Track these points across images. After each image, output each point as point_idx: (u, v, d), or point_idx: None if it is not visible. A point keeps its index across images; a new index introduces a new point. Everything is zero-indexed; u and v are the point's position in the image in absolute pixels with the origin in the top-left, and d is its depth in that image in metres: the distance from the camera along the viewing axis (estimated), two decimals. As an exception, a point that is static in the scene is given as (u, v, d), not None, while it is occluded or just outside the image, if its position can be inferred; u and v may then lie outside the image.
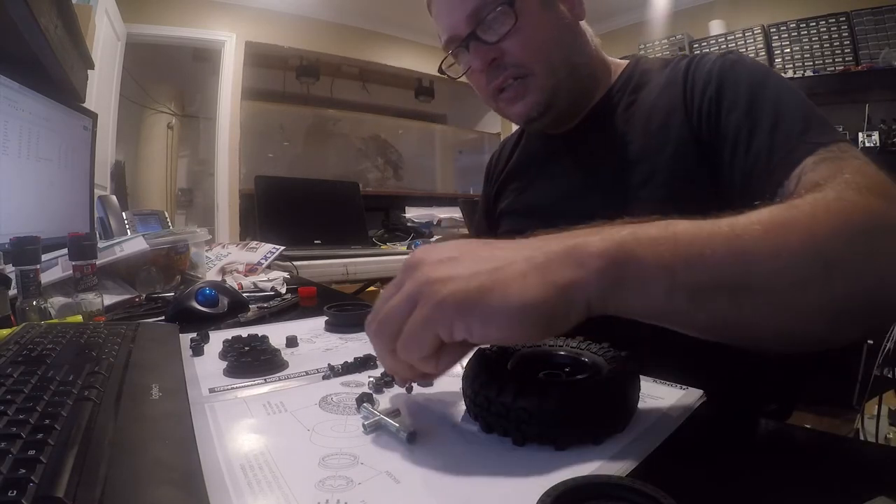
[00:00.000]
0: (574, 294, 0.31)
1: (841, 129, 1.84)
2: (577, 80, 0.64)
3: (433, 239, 1.92)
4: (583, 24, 0.65)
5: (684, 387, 0.42)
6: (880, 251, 0.34)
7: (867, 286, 0.34)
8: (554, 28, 0.61)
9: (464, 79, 0.68)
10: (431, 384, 0.43)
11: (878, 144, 2.54)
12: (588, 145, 0.66)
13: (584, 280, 0.31)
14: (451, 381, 0.43)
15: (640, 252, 0.32)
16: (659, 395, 0.40)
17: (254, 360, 0.46)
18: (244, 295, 0.84)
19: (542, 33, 0.60)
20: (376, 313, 0.34)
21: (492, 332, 0.30)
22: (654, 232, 0.33)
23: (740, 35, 3.07)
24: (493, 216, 0.81)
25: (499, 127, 5.06)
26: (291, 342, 0.55)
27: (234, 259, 1.21)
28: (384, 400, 0.39)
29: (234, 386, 0.42)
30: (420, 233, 2.20)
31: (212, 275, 1.10)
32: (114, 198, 1.59)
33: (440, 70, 0.69)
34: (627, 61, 0.70)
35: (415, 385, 0.42)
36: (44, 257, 0.69)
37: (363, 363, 0.47)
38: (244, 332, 0.56)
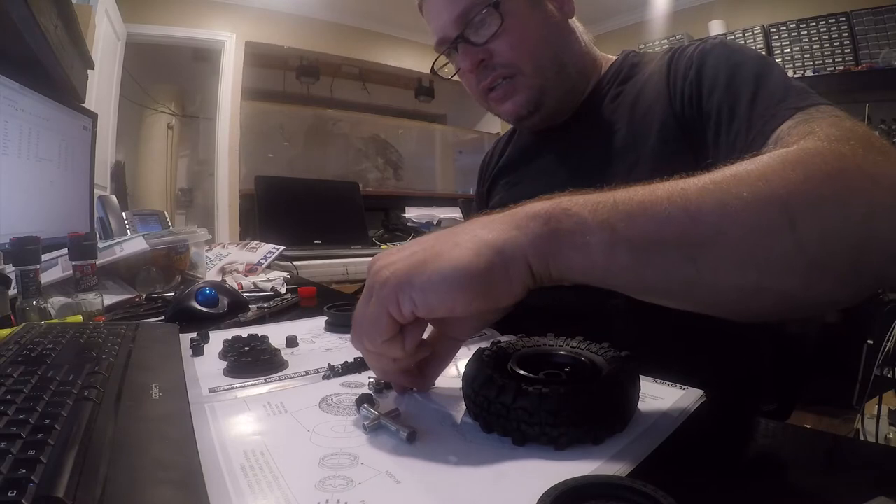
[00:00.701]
0: (509, 253, 0.31)
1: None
2: (566, 78, 0.65)
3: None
4: (573, 21, 0.66)
5: (684, 387, 0.41)
6: (850, 195, 0.31)
7: (841, 232, 0.30)
8: (541, 27, 0.62)
9: (456, 78, 0.69)
10: (427, 391, 0.42)
11: (877, 144, 2.54)
12: (576, 138, 0.67)
13: (517, 238, 0.31)
14: (451, 381, 0.43)
15: (577, 209, 0.32)
16: (659, 395, 0.40)
17: (254, 360, 0.46)
18: (244, 295, 0.84)
19: (530, 33, 0.61)
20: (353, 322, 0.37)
21: (432, 299, 0.31)
22: (594, 195, 0.33)
23: (740, 35, 3.06)
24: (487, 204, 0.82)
25: (499, 127, 5.05)
26: (291, 342, 0.55)
27: (234, 259, 1.21)
28: (384, 400, 0.39)
29: (234, 386, 0.42)
30: (420, 232, 2.20)
31: (212, 275, 1.10)
32: (114, 198, 1.59)
33: (432, 70, 0.70)
34: (617, 56, 0.71)
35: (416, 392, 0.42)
36: (44, 257, 0.69)
37: (363, 363, 0.47)
38: (244, 332, 0.56)
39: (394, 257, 0.35)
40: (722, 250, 0.30)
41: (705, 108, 0.53)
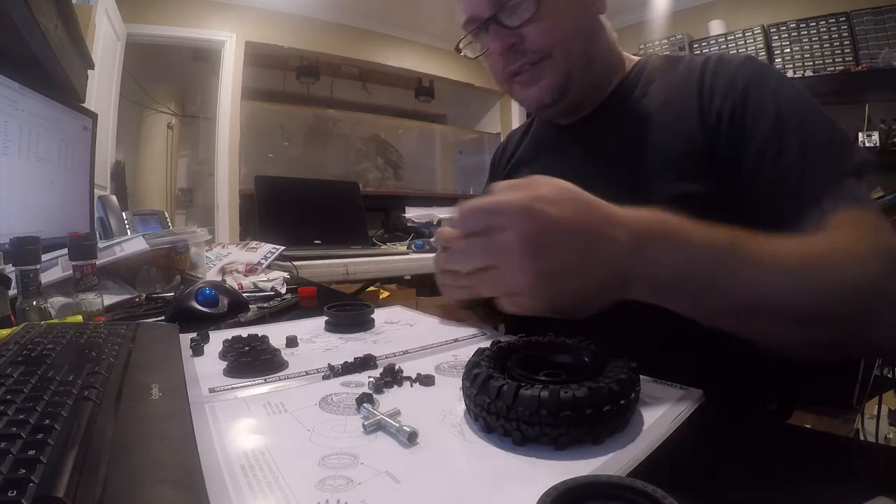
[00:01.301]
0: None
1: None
2: (592, 71, 0.65)
3: (433, 239, 1.91)
4: (602, 17, 0.66)
5: (684, 387, 0.41)
6: (871, 312, 0.41)
7: (858, 337, 0.41)
8: (575, 17, 0.61)
9: (481, 58, 0.68)
10: (433, 384, 0.43)
11: (878, 144, 2.54)
12: (599, 135, 0.67)
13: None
14: (451, 381, 0.43)
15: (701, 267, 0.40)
16: (659, 395, 0.40)
17: (254, 360, 0.46)
18: (244, 295, 0.84)
19: (563, 22, 0.60)
20: (471, 214, 0.39)
21: (535, 310, 0.39)
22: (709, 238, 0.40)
23: (740, 35, 3.07)
24: None
25: (499, 127, 5.06)
26: (291, 342, 0.55)
27: (234, 259, 1.21)
28: (384, 400, 0.39)
29: (234, 386, 0.42)
30: (420, 233, 2.20)
31: (212, 275, 1.10)
32: (114, 198, 1.59)
33: (457, 48, 0.69)
34: (639, 57, 0.71)
35: (417, 383, 0.42)
36: (44, 257, 0.69)
37: (363, 363, 0.47)
38: (244, 332, 0.56)
39: (549, 239, 0.36)
40: (773, 318, 0.40)
41: (747, 134, 0.54)
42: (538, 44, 0.60)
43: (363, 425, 0.34)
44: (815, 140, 0.51)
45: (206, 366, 0.48)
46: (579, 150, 0.69)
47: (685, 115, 0.59)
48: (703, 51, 3.11)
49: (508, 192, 0.38)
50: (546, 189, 0.38)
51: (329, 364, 0.46)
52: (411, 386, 0.42)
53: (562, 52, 0.61)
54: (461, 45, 0.68)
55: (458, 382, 0.38)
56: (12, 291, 0.68)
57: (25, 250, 0.64)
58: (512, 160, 0.81)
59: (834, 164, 0.50)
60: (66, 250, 0.72)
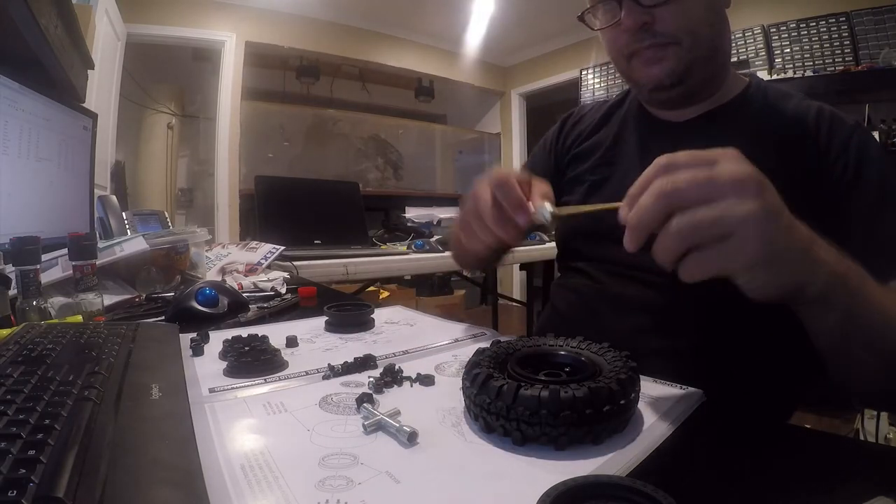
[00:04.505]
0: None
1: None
2: (714, 64, 0.65)
3: (433, 239, 1.91)
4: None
5: (684, 387, 0.41)
6: None
7: None
8: (707, 8, 0.61)
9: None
10: (433, 383, 0.43)
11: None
12: (704, 144, 0.66)
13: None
14: (451, 381, 0.43)
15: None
16: (659, 395, 0.40)
17: (254, 360, 0.46)
18: (244, 295, 0.84)
19: (697, 9, 0.60)
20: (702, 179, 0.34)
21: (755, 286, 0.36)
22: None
23: (740, 35, 3.06)
24: (558, 174, 0.79)
25: (499, 127, 5.06)
26: (291, 342, 0.55)
27: (234, 259, 1.21)
28: (384, 400, 0.39)
29: (234, 386, 0.42)
30: (420, 233, 2.20)
31: (212, 275, 1.10)
32: (114, 198, 1.59)
33: (580, 17, 0.67)
34: (746, 74, 0.72)
35: (417, 383, 0.42)
36: (44, 257, 0.69)
37: (363, 363, 0.47)
38: (244, 332, 0.56)
39: (785, 217, 0.35)
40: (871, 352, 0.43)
41: (852, 195, 0.58)
42: (670, 26, 0.60)
43: (363, 425, 0.34)
44: None
45: (206, 366, 0.48)
46: (674, 149, 0.68)
47: (800, 158, 0.60)
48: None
49: (727, 162, 0.35)
50: (758, 174, 0.36)
51: (329, 364, 0.46)
52: (411, 386, 0.42)
53: (690, 40, 0.61)
54: (584, 15, 0.66)
55: (458, 382, 0.38)
56: (12, 291, 0.68)
57: (25, 250, 0.63)
58: (587, 140, 0.77)
59: None
60: (66, 250, 0.72)
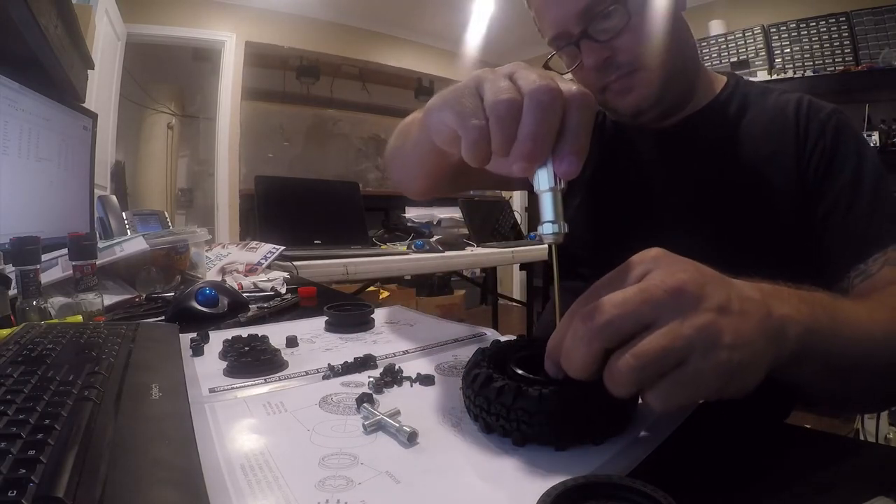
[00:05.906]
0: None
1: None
2: (687, 73, 0.65)
3: (433, 239, 1.91)
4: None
5: (684, 387, 0.41)
6: None
7: None
8: (665, 23, 0.61)
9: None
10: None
11: (878, 144, 2.55)
12: (688, 146, 0.67)
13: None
14: (451, 381, 0.43)
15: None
16: (659, 395, 0.40)
17: (254, 360, 0.46)
18: (244, 295, 0.84)
19: (654, 29, 0.60)
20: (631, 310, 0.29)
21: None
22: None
23: (740, 35, 3.07)
24: None
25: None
26: (291, 342, 0.55)
27: (234, 259, 1.21)
28: (384, 400, 0.39)
29: (234, 386, 0.42)
30: (420, 233, 2.20)
31: (212, 275, 1.10)
32: (114, 198, 1.59)
33: (546, 66, 0.60)
34: (723, 74, 0.72)
35: (417, 383, 0.42)
36: (44, 257, 0.69)
37: (363, 363, 0.47)
38: (244, 332, 0.56)
39: (736, 314, 0.29)
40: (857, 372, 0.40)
41: (827, 183, 0.59)
42: (632, 55, 0.59)
43: (363, 425, 0.34)
44: (885, 203, 0.57)
45: (206, 366, 0.48)
46: (661, 157, 0.69)
47: (783, 155, 0.62)
48: (703, 51, 3.11)
49: (657, 272, 0.31)
50: (688, 268, 0.31)
51: (329, 364, 0.46)
52: (411, 386, 0.42)
53: (656, 62, 0.60)
54: (550, 64, 0.64)
55: (458, 382, 0.38)
56: (12, 291, 0.68)
57: (25, 250, 0.63)
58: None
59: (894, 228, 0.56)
60: (66, 250, 0.72)
